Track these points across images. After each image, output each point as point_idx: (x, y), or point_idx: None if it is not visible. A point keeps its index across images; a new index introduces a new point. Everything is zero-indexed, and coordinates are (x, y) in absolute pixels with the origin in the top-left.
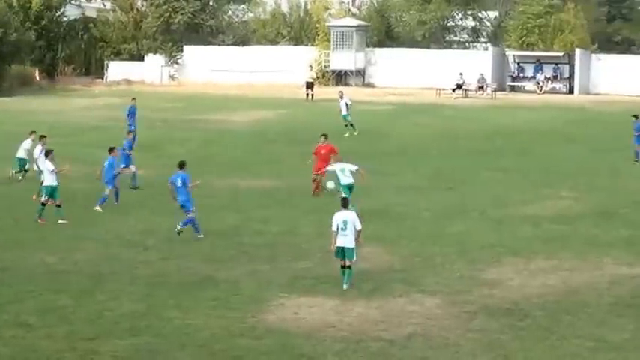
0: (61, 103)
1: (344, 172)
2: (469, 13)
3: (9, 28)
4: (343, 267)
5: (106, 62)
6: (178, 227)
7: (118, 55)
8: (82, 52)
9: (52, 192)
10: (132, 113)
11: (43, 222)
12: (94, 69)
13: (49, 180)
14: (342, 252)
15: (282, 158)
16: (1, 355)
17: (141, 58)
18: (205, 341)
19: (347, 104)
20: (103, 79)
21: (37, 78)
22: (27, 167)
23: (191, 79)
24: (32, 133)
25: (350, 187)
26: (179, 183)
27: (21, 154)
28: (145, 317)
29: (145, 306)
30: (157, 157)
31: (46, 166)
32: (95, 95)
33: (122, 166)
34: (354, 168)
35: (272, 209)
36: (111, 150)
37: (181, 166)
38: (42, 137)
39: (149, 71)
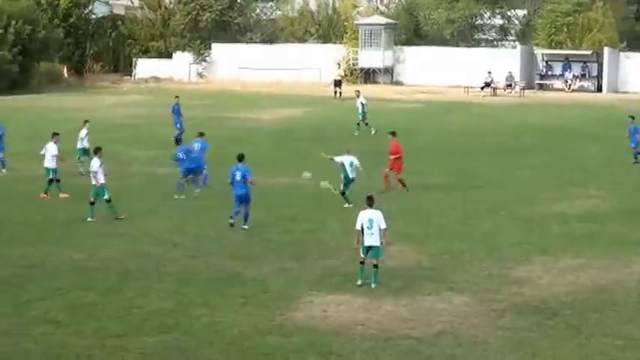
0: (90, 101)
1: (352, 165)
2: (497, 11)
3: (37, 25)
4: (362, 263)
5: (134, 60)
6: (243, 226)
7: (146, 52)
8: (110, 49)
9: (98, 191)
10: (176, 111)
11: (122, 217)
12: (122, 66)
13: (99, 178)
14: (369, 251)
15: (310, 156)
16: (30, 351)
17: (169, 56)
18: (234, 339)
19: (362, 104)
20: (131, 76)
21: (66, 75)
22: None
23: (219, 77)
24: (86, 122)
25: (349, 181)
26: (238, 176)
27: (79, 144)
28: (174, 315)
29: (173, 303)
30: None
31: (92, 164)
32: (124, 93)
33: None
34: (357, 163)
35: (299, 207)
36: (178, 141)
37: (240, 158)
38: (54, 134)
39: (177, 69)
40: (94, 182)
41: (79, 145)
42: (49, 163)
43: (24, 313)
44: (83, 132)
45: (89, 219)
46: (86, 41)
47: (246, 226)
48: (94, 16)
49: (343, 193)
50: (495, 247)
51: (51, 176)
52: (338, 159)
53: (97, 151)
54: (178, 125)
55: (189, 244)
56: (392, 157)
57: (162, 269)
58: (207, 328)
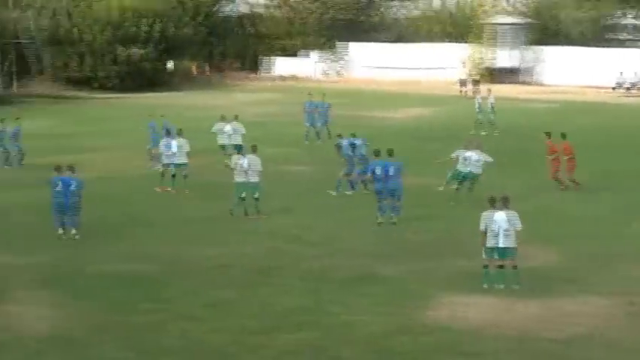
0: (223, 98)
1: (478, 161)
2: (634, 11)
3: (173, 23)
4: (500, 266)
5: (265, 58)
6: (392, 219)
7: (277, 50)
8: (241, 47)
9: (252, 187)
10: (312, 108)
11: (260, 217)
12: (252, 64)
13: (255, 176)
14: (501, 252)
15: (440, 155)
16: (171, 347)
17: (297, 55)
18: (371, 338)
19: (489, 103)
20: (262, 74)
21: (203, 72)
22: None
23: (351, 76)
24: (223, 117)
25: (464, 176)
26: (392, 171)
27: (226, 140)
28: (311, 312)
29: (311, 301)
30: (317, 152)
31: (244, 161)
32: (254, 90)
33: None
34: (483, 158)
35: (434, 206)
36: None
37: (391, 153)
38: (179, 130)
39: (306, 67)
40: (242, 179)
41: (227, 141)
42: (184, 158)
43: (166, 309)
44: (228, 127)
45: (232, 213)
46: (219, 39)
47: (395, 220)
48: (226, 15)
49: (458, 187)
50: (635, 249)
51: (184, 172)
52: (454, 154)
53: (254, 149)
54: (317, 124)
55: (324, 242)
56: (566, 157)
57: (299, 267)
58: (345, 326)
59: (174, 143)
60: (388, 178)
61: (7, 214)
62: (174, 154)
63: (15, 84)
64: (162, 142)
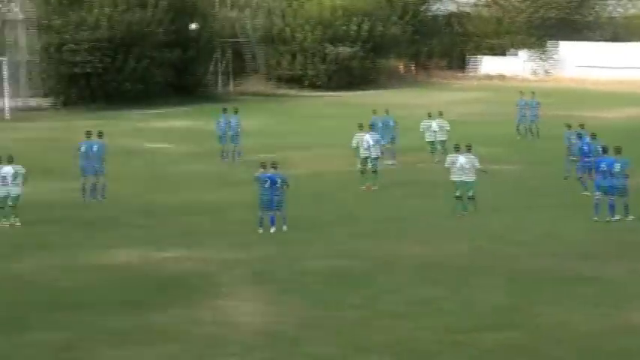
0: (428, 97)
1: None
2: None
3: (381, 22)
4: None
5: (472, 57)
6: (615, 217)
7: (484, 49)
8: (448, 46)
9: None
10: (523, 107)
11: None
12: (459, 63)
13: (471, 176)
14: None
15: None
16: (375, 344)
17: (506, 53)
18: (581, 338)
19: None
20: (468, 73)
21: (410, 71)
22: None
23: (561, 75)
24: (429, 115)
25: None
26: (617, 168)
27: (431, 137)
28: (517, 312)
29: (517, 301)
30: (526, 152)
31: (458, 159)
32: (460, 89)
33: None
34: None
35: None
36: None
37: (618, 150)
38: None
39: (516, 66)
40: (458, 177)
41: (434, 139)
42: (378, 152)
43: (371, 306)
44: (434, 124)
45: (460, 214)
46: (425, 38)
47: (630, 217)
48: (432, 13)
49: None
50: None
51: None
52: None
53: (470, 148)
54: (527, 121)
55: (532, 242)
56: None
57: (505, 267)
58: (552, 326)
59: (367, 137)
60: (613, 175)
61: (221, 210)
62: (369, 148)
63: (232, 82)
64: (357, 136)
